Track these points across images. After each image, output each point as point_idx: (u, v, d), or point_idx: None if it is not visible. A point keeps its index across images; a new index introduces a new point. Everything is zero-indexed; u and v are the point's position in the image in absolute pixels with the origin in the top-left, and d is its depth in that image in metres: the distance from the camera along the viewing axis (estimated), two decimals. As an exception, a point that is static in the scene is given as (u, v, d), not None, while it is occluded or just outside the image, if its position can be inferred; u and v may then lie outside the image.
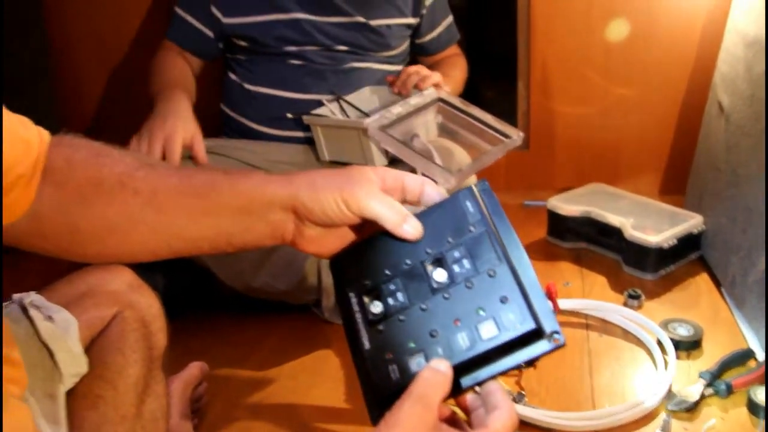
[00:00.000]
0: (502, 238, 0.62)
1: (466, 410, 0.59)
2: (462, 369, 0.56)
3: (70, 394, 0.83)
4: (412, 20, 1.68)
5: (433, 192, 0.67)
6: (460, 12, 1.89)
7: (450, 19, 1.79)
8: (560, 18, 1.89)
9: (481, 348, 0.56)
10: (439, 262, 0.62)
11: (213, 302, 1.50)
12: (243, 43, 1.60)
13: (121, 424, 0.87)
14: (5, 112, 0.68)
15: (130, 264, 0.99)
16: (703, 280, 1.55)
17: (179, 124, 1.34)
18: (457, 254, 0.62)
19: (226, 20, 1.58)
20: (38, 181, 0.69)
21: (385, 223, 0.63)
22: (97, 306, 0.94)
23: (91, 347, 0.89)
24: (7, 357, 0.68)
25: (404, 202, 0.68)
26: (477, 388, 0.59)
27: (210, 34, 1.61)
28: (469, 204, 0.65)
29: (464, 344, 0.57)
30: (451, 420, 0.58)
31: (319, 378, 1.27)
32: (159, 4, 1.99)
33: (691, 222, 1.60)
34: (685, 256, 1.60)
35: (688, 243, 1.59)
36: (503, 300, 0.57)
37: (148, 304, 0.99)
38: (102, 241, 0.71)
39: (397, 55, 1.70)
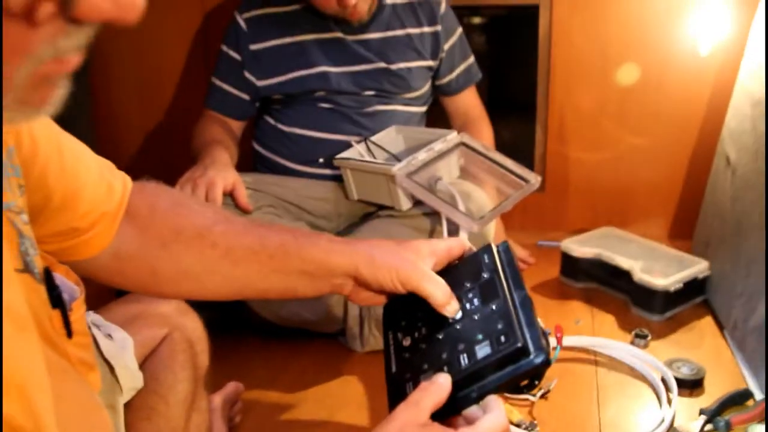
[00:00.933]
0: (509, 282, 0.74)
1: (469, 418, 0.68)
2: (462, 384, 0.67)
3: (127, 406, 0.93)
4: (431, 63, 1.78)
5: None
6: (484, 58, 2.00)
7: (470, 60, 1.87)
8: (578, 69, 1.99)
9: (478, 365, 0.67)
10: (457, 302, 0.74)
11: (243, 327, 1.59)
12: (277, 97, 1.72)
13: (171, 435, 0.96)
14: (92, 156, 0.79)
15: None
16: (707, 322, 1.63)
17: (220, 173, 1.46)
18: (470, 295, 0.74)
19: (260, 83, 1.70)
20: (120, 222, 0.79)
21: (432, 302, 0.74)
22: (149, 327, 1.04)
23: (144, 364, 0.99)
24: (87, 361, 0.77)
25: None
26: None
27: (246, 97, 1.73)
28: (486, 257, 0.77)
29: (464, 363, 0.68)
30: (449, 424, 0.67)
31: (344, 401, 1.35)
32: (196, 55, 2.13)
33: (697, 267, 1.68)
34: (690, 300, 1.68)
35: (694, 287, 1.67)
36: (499, 328, 0.68)
37: (194, 326, 1.09)
38: (178, 284, 0.81)
39: (420, 97, 1.80)
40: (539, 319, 0.70)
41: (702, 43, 1.89)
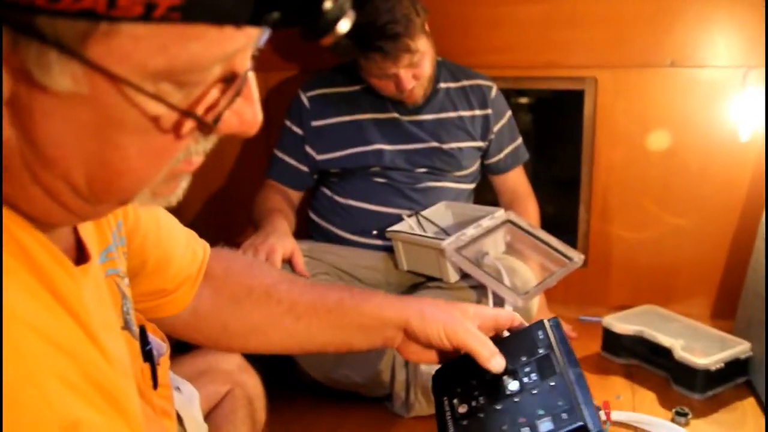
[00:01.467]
0: (564, 358, 0.79)
1: None
2: None
3: (193, 455, 1.01)
4: (481, 143, 1.89)
5: (519, 323, 0.86)
6: (530, 137, 2.10)
7: (518, 142, 1.97)
8: (621, 150, 2.07)
9: None
10: (513, 374, 0.79)
11: (295, 389, 1.66)
12: (334, 170, 1.84)
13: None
14: (179, 225, 0.90)
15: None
16: (749, 403, 1.64)
17: (280, 240, 1.57)
18: (527, 369, 0.79)
19: (319, 157, 1.82)
20: (200, 284, 0.89)
21: (478, 357, 0.81)
22: (213, 383, 1.13)
23: (208, 417, 1.07)
24: (167, 411, 0.86)
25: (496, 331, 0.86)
26: None
27: (306, 169, 1.85)
28: (540, 332, 0.83)
29: None
30: None
31: (390, 464, 1.41)
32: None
33: (739, 348, 1.70)
34: (732, 380, 1.70)
35: (736, 367, 1.69)
36: (559, 404, 0.73)
37: (254, 384, 1.17)
38: (246, 339, 0.90)
39: (469, 175, 1.90)
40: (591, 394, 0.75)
41: (742, 128, 1.95)
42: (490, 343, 0.82)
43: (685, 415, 1.54)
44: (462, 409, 0.79)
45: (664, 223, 2.07)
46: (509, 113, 1.94)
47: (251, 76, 0.50)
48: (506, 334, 0.88)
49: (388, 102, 1.79)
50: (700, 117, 1.99)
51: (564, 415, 0.72)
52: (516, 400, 0.76)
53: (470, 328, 0.83)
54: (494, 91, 1.89)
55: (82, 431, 0.40)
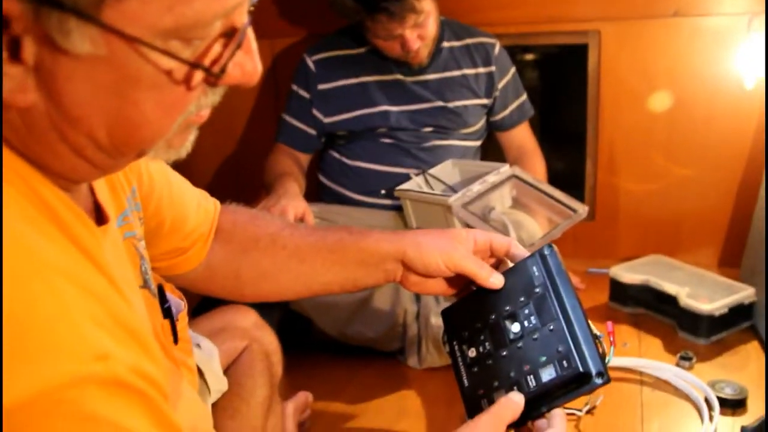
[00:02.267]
0: (561, 296, 0.81)
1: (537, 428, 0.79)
2: (532, 402, 0.76)
3: (214, 406, 1.06)
4: (485, 101, 1.91)
5: (518, 250, 0.88)
6: (536, 93, 2.11)
7: (522, 98, 1.99)
8: (626, 103, 2.08)
9: (544, 387, 0.76)
10: (513, 317, 0.82)
11: (311, 346, 1.72)
12: (341, 133, 1.87)
13: (252, 433, 1.09)
14: (190, 186, 0.94)
15: (253, 306, 1.23)
16: (752, 347, 1.68)
17: (291, 202, 1.61)
18: (526, 311, 0.82)
19: (326, 120, 1.86)
20: (212, 239, 0.94)
21: (476, 277, 0.85)
22: (232, 339, 1.18)
23: (227, 371, 1.13)
24: (188, 364, 0.91)
25: (492, 258, 0.89)
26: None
27: (314, 132, 1.89)
28: (535, 268, 0.84)
29: (532, 384, 0.77)
30: None
31: (404, 413, 1.47)
32: (266, 93, 2.31)
33: (743, 293, 1.74)
34: (736, 324, 1.73)
35: (740, 312, 1.72)
36: (560, 351, 0.77)
37: (270, 340, 1.23)
38: (257, 285, 0.95)
39: (475, 132, 1.93)
40: (592, 326, 0.77)
41: (747, 76, 1.96)
42: (486, 264, 0.85)
43: (689, 359, 1.58)
44: (471, 353, 0.83)
45: (670, 174, 2.09)
46: (513, 69, 1.96)
47: (249, 30, 0.55)
48: (510, 264, 0.88)
49: (392, 63, 1.81)
50: (705, 66, 2.00)
51: (564, 363, 0.75)
52: (519, 345, 0.80)
53: (465, 251, 0.86)
54: (497, 48, 1.91)
55: (112, 361, 0.45)
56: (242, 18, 0.53)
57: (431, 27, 1.74)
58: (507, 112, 1.96)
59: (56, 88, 0.49)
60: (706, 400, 1.43)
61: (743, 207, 2.01)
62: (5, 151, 0.51)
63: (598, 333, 0.78)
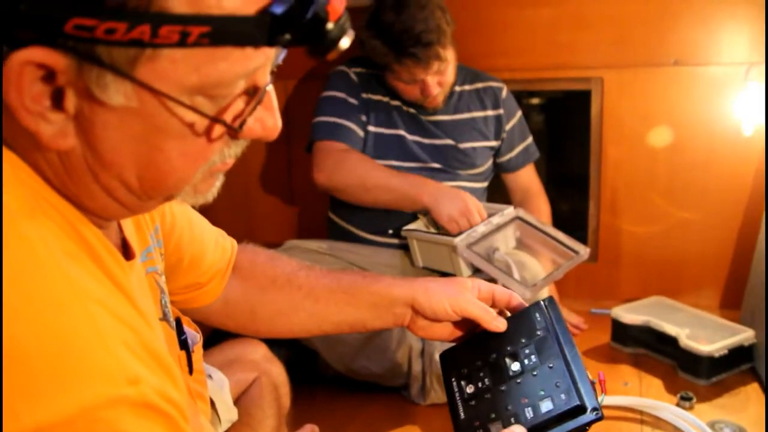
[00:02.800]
0: (561, 339, 0.86)
1: None
2: None
3: (224, 436, 1.10)
4: (494, 143, 1.97)
5: (518, 302, 0.94)
6: (542, 135, 2.17)
7: (528, 141, 2.05)
8: (628, 147, 2.14)
9: (541, 418, 0.80)
10: (514, 356, 0.87)
11: (318, 380, 1.76)
12: None
13: (260, 462, 1.13)
14: (208, 224, 1.00)
15: (263, 340, 1.28)
16: (753, 389, 1.70)
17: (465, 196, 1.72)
18: (527, 351, 0.87)
19: (368, 128, 1.88)
20: (229, 276, 0.99)
21: (481, 321, 0.90)
22: (242, 371, 1.22)
23: (237, 402, 1.17)
24: (202, 395, 0.96)
25: (494, 308, 0.94)
26: None
27: (362, 136, 1.87)
28: (537, 315, 0.90)
29: (529, 416, 0.81)
30: None
31: (407, 448, 1.50)
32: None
33: (743, 335, 1.76)
34: (737, 366, 1.76)
35: (740, 354, 1.75)
36: (557, 385, 0.81)
37: (278, 372, 1.27)
38: (271, 322, 1.00)
39: (482, 173, 1.98)
40: (587, 372, 0.82)
41: (745, 123, 2.01)
42: (490, 309, 0.91)
43: (689, 399, 1.61)
44: (470, 389, 0.87)
45: (671, 216, 2.13)
46: (520, 113, 2.02)
47: (271, 89, 0.60)
48: (508, 314, 0.94)
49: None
50: (704, 113, 2.06)
51: (563, 396, 0.80)
52: (518, 381, 0.84)
53: (471, 297, 0.92)
54: (505, 92, 1.98)
55: (142, 385, 0.49)
56: (264, 78, 0.58)
57: (450, 74, 1.82)
58: (513, 154, 2.02)
59: (93, 134, 0.54)
60: (706, 441, 1.46)
61: (743, 250, 2.05)
62: (50, 193, 0.56)
63: (592, 379, 0.83)
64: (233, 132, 0.58)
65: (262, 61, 0.55)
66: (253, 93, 0.58)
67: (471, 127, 1.93)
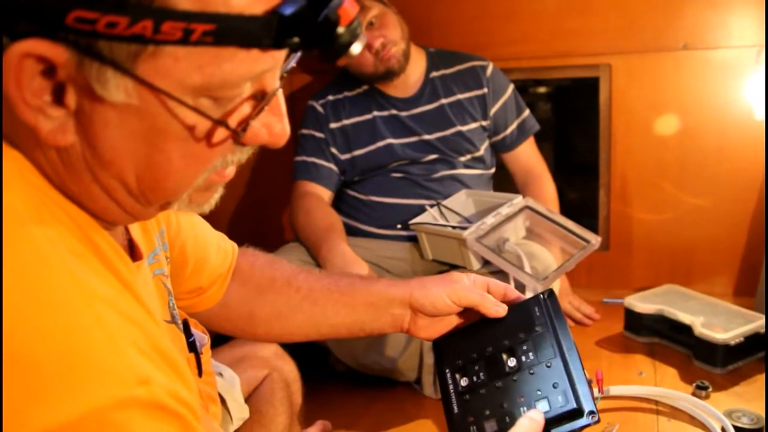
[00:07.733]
0: (559, 336, 0.84)
1: None
2: None
3: (236, 433, 1.10)
4: (484, 123, 1.95)
5: (514, 294, 0.92)
6: (549, 124, 2.15)
7: (524, 114, 2.01)
8: (637, 134, 2.11)
9: None
10: (511, 351, 0.85)
11: (328, 374, 1.75)
12: (356, 178, 1.93)
13: (272, 459, 1.12)
14: (211, 229, 0.99)
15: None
16: (769, 376, 1.69)
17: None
18: (525, 347, 0.84)
19: (342, 157, 1.92)
20: (230, 279, 0.98)
21: (480, 307, 0.88)
22: (253, 368, 1.21)
23: (249, 399, 1.16)
24: (212, 396, 0.95)
25: None
26: None
27: (335, 168, 1.93)
28: (536, 309, 0.87)
29: None
30: None
31: (420, 443, 1.49)
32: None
33: (759, 322, 1.74)
34: (752, 354, 1.73)
35: (756, 342, 1.73)
36: (555, 385, 0.79)
37: (290, 369, 1.26)
38: (270, 324, 0.99)
39: (480, 158, 1.96)
40: (585, 372, 0.80)
41: (757, 106, 1.98)
42: (489, 295, 0.89)
43: (705, 388, 1.59)
44: (464, 382, 0.85)
45: (683, 203, 2.11)
46: (511, 87, 2.00)
47: (280, 94, 0.58)
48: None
49: (387, 100, 1.90)
50: (715, 98, 2.03)
51: (559, 398, 0.77)
52: (515, 378, 0.81)
53: (470, 286, 0.90)
54: (489, 70, 1.96)
55: (153, 386, 0.48)
56: (273, 82, 0.56)
57: (392, 29, 1.83)
58: (508, 131, 2.00)
59: (92, 131, 0.53)
60: (723, 430, 1.44)
61: (756, 236, 2.02)
62: (54, 193, 0.55)
63: (589, 378, 0.81)
64: (236, 136, 0.57)
65: (269, 65, 0.53)
66: (260, 98, 0.57)
67: (457, 111, 1.93)
